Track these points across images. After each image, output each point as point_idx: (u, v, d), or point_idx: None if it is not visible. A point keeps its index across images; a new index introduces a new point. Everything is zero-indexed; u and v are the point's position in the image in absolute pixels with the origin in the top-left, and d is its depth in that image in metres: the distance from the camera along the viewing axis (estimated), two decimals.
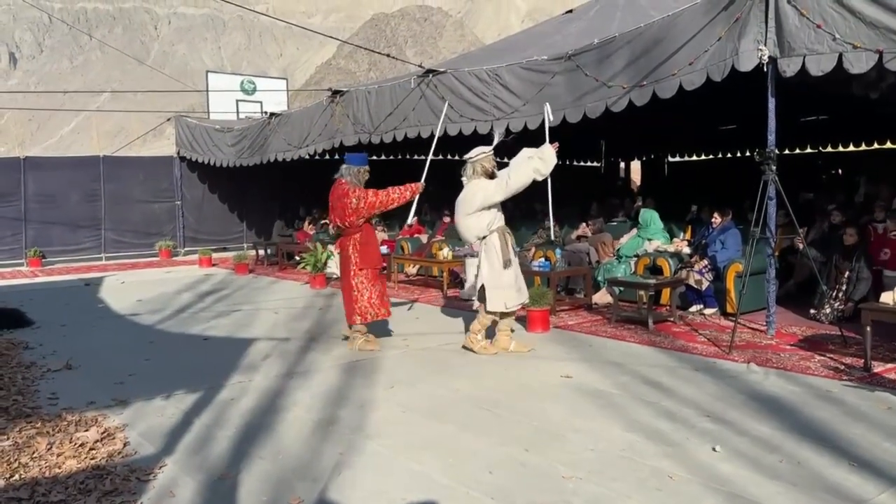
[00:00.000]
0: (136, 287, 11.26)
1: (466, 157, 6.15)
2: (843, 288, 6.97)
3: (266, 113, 14.56)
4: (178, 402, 4.95)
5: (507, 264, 6.00)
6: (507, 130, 6.30)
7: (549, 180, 6.37)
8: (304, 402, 4.88)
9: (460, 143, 10.36)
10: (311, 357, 6.25)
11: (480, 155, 6.08)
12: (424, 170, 6.98)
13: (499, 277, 6.02)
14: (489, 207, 5.99)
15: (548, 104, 6.80)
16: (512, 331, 6.28)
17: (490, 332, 6.30)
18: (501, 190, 5.95)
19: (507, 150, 6.56)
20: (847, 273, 7.00)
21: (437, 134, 8.04)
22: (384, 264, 6.90)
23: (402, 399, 4.91)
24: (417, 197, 6.53)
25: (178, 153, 16.58)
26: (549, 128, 6.52)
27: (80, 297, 10.45)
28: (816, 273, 6.65)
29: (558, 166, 6.17)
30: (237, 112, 19.18)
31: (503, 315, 6.16)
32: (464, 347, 6.27)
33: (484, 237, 6.05)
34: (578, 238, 9.76)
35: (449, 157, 15.10)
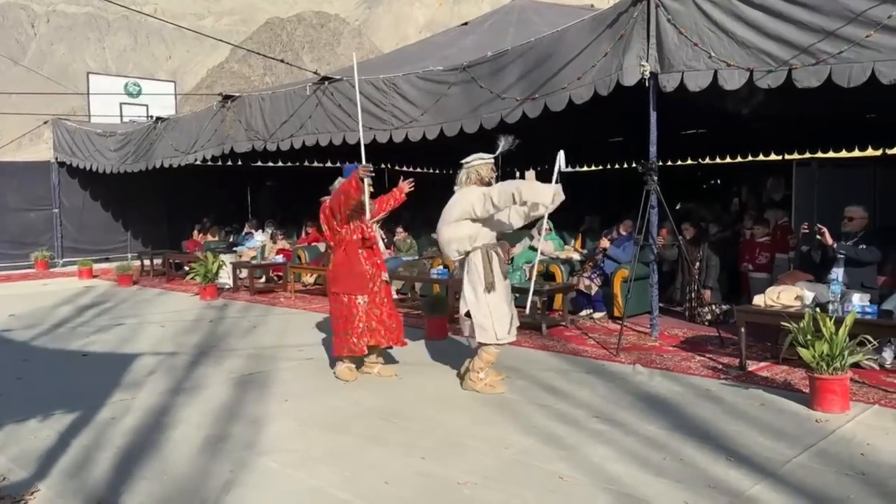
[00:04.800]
0: (8, 301, 10.48)
1: (463, 161, 5.30)
2: (697, 276, 7.60)
3: (152, 117, 13.95)
4: (53, 424, 4.63)
5: (489, 288, 5.03)
6: (513, 139, 5.42)
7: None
8: (192, 420, 4.68)
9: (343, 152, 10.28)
10: (200, 372, 6.00)
11: (477, 161, 5.20)
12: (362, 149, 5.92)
13: (485, 305, 5.07)
14: (473, 219, 5.10)
15: (562, 152, 5.47)
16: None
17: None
18: (481, 204, 5.00)
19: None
20: (697, 263, 7.67)
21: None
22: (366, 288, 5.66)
23: (297, 412, 4.80)
24: (367, 182, 5.37)
25: (57, 158, 15.69)
26: (559, 172, 5.39)
27: None
28: (689, 269, 7.19)
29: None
30: (121, 116, 18.29)
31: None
32: (465, 389, 5.26)
33: (466, 253, 5.17)
34: None
35: (328, 165, 14.97)
